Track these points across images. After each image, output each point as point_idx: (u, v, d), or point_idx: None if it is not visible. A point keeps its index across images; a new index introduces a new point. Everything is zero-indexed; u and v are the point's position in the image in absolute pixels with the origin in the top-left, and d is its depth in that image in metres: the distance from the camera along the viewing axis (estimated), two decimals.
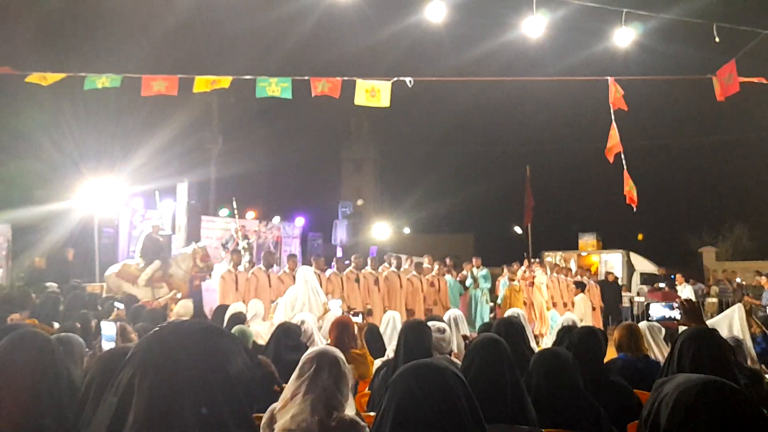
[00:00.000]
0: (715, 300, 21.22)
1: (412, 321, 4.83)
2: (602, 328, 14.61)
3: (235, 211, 18.36)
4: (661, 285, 19.58)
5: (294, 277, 11.42)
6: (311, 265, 11.87)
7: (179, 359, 1.50)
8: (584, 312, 13.73)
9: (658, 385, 2.88)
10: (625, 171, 10.93)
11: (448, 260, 16.48)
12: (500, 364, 3.33)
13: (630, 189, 10.96)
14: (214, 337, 1.60)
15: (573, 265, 25.62)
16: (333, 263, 13.08)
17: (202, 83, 10.37)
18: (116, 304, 6.91)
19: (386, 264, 14.04)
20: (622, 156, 10.86)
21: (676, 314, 4.30)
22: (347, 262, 13.65)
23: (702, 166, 42.32)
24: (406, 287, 13.57)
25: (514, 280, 15.04)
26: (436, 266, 14.90)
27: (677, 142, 41.87)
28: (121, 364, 2.58)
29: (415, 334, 4.45)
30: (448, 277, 15.24)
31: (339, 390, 3.00)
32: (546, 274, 16.02)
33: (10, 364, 2.63)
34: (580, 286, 15.06)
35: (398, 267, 13.91)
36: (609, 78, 11.04)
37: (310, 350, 3.19)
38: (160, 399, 1.44)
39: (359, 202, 40.64)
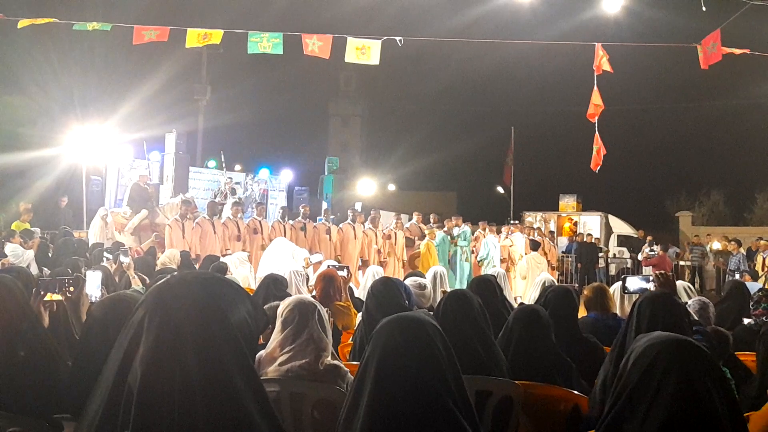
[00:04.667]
0: (689, 263, 21.63)
1: (378, 281, 4.93)
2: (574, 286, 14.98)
3: (223, 164, 18.42)
4: (648, 250, 19.70)
5: (237, 224, 12.47)
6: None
7: (184, 304, 1.62)
8: (527, 269, 13.99)
9: (621, 341, 3.09)
10: (596, 134, 11.17)
11: (433, 217, 16.74)
12: (467, 318, 3.51)
13: (599, 151, 11.20)
14: (217, 286, 1.74)
15: (553, 226, 26.01)
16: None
17: (193, 37, 10.35)
18: (122, 258, 7.03)
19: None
20: (596, 121, 11.10)
21: (651, 286, 4.49)
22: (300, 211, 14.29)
23: (683, 133, 42.56)
24: (361, 239, 14.13)
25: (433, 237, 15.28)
26: (394, 220, 15.38)
27: (660, 107, 42.06)
28: (123, 307, 2.78)
29: (377, 293, 4.62)
30: (439, 232, 15.49)
31: (326, 335, 3.19)
32: (523, 235, 16.45)
33: None
34: (534, 246, 15.22)
35: (353, 220, 14.41)
36: (596, 44, 11.15)
37: (286, 301, 3.34)
38: (165, 339, 1.58)
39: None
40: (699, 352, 2.01)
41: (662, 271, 4.53)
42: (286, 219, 13.63)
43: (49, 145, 16.33)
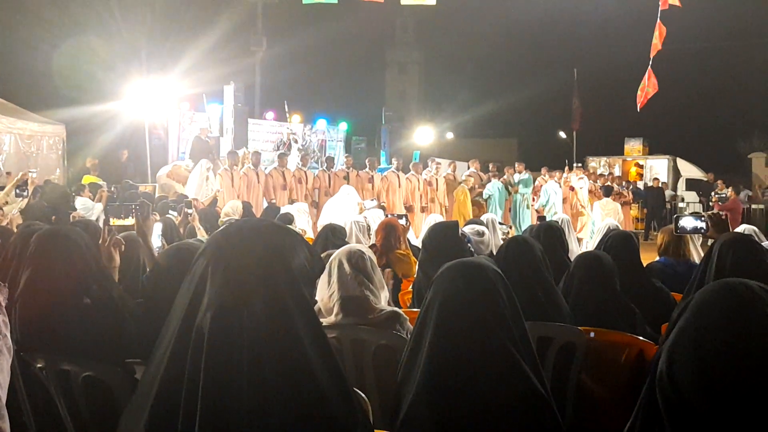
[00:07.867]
0: (762, 206, 20.88)
1: (435, 227, 4.84)
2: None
3: (287, 114, 18.69)
4: (716, 193, 19.06)
5: (283, 174, 13.13)
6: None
7: (246, 252, 1.64)
8: (601, 216, 13.40)
9: (698, 286, 2.98)
10: (649, 70, 10.78)
11: (491, 165, 16.55)
12: (528, 264, 3.46)
13: (645, 88, 10.83)
14: (278, 233, 1.74)
15: (617, 171, 25.40)
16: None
17: None
18: (186, 209, 7.18)
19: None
20: (650, 56, 10.72)
21: (703, 225, 4.31)
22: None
23: (756, 70, 40.46)
24: (405, 186, 14.43)
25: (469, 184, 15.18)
26: (435, 167, 15.36)
27: (730, 44, 40.03)
28: (187, 255, 2.84)
29: (435, 239, 4.60)
30: (495, 181, 15.34)
31: (366, 277, 3.15)
32: (586, 180, 16.06)
33: (52, 251, 2.93)
34: (607, 191, 14.51)
35: (398, 169, 14.72)
36: None
37: (337, 251, 3.31)
38: (231, 287, 1.59)
39: None
40: (756, 295, 1.91)
41: (715, 212, 4.36)
42: (331, 169, 14.10)
43: (112, 99, 16.71)
